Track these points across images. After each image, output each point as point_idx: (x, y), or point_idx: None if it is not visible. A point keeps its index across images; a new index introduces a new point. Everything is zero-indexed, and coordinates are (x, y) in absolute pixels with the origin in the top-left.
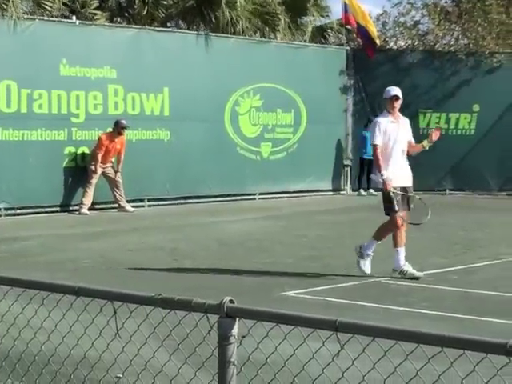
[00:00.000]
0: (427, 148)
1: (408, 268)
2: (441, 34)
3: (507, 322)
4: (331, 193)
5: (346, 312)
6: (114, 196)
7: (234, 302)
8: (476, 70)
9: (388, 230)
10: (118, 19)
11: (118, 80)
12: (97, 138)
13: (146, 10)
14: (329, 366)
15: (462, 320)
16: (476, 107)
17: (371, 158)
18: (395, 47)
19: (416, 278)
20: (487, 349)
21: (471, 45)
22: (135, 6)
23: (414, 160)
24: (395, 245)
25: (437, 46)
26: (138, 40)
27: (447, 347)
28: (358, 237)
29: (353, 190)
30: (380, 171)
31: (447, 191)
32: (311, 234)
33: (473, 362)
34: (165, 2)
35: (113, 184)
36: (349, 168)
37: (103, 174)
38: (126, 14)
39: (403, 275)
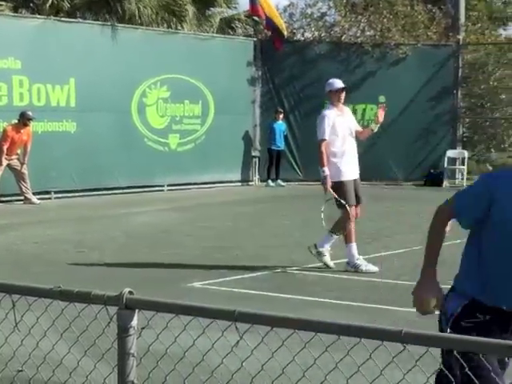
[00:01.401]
0: (376, 130)
1: (362, 262)
2: (347, 26)
3: (410, 311)
4: (240, 184)
5: (252, 302)
6: (20, 188)
7: (133, 294)
8: (382, 62)
9: (343, 224)
10: (23, 10)
11: (22, 71)
12: (1, 130)
13: (50, 1)
14: (228, 356)
15: (367, 309)
16: (382, 98)
17: (279, 149)
18: (302, 39)
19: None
20: (383, 336)
21: (377, 36)
22: None
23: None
24: (346, 241)
25: (343, 37)
26: (44, 31)
27: (345, 335)
28: (266, 227)
29: (261, 181)
30: (323, 166)
31: None
32: (219, 225)
33: (369, 349)
34: None
35: (19, 176)
36: (257, 159)
37: (9, 165)
38: (31, 5)
39: (356, 269)
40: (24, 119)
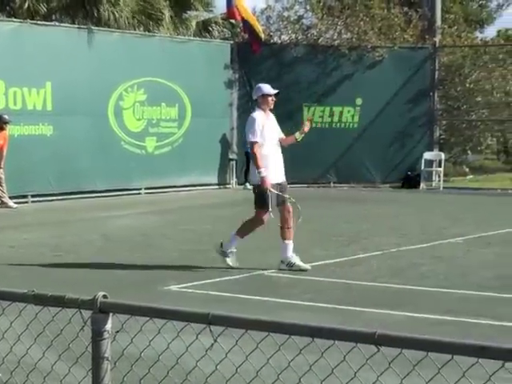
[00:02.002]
0: (299, 139)
1: (296, 260)
2: (324, 29)
3: (385, 312)
4: (217, 187)
5: (227, 305)
6: None
7: (107, 297)
8: (358, 64)
9: (253, 226)
10: None
11: None
12: None
13: (27, 5)
14: (202, 359)
15: (342, 311)
16: (359, 101)
17: None
18: (279, 41)
19: (303, 270)
20: (357, 339)
21: (354, 39)
22: (16, 0)
23: (300, 153)
24: (284, 238)
25: (320, 40)
26: (20, 34)
27: (318, 338)
28: None
29: (238, 184)
30: (259, 168)
31: (332, 184)
32: (197, 228)
33: (343, 351)
34: None
35: None
36: (234, 162)
37: None
38: (7, 8)
39: (290, 267)
40: (0, 123)
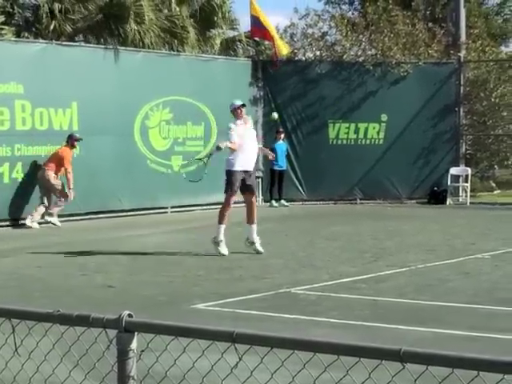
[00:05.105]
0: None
1: (221, 248)
2: (348, 45)
3: (412, 329)
4: (244, 205)
5: (254, 323)
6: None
7: (132, 317)
8: (383, 81)
9: (224, 210)
10: (26, 34)
11: (25, 95)
12: (59, 155)
13: (53, 25)
14: (228, 378)
15: (369, 328)
16: (384, 117)
17: (282, 169)
18: (303, 58)
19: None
20: (382, 356)
21: (378, 55)
22: (43, 21)
23: (326, 170)
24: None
25: (344, 56)
26: (45, 55)
27: (343, 355)
28: (268, 246)
29: (264, 201)
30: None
31: (358, 200)
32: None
33: (368, 368)
34: (73, 17)
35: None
36: (260, 179)
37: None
38: (34, 29)
39: (216, 245)
40: (72, 141)
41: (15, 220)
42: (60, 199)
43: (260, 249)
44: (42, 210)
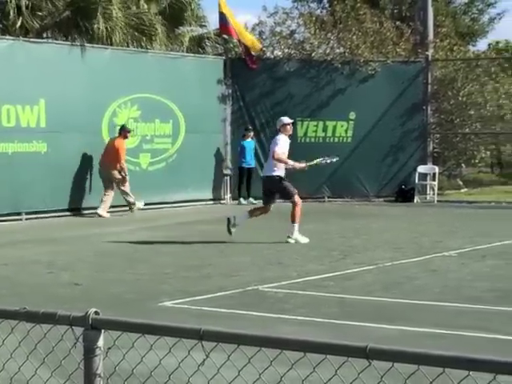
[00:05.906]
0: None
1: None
2: (316, 43)
3: (379, 326)
4: (211, 202)
5: (221, 321)
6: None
7: (99, 314)
8: (351, 79)
9: (298, 209)
10: None
11: None
12: (115, 147)
13: (20, 21)
14: (195, 375)
15: (336, 325)
16: (352, 115)
17: (250, 166)
18: (272, 56)
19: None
20: (348, 353)
21: (346, 53)
22: (9, 17)
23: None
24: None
25: (313, 54)
26: (12, 51)
27: (309, 352)
28: (236, 244)
29: (233, 199)
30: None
31: (326, 198)
32: (192, 244)
33: (335, 365)
34: (40, 13)
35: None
36: (228, 177)
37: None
38: (0, 26)
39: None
40: (125, 132)
41: None
42: (124, 185)
43: (291, 241)
44: (110, 198)
